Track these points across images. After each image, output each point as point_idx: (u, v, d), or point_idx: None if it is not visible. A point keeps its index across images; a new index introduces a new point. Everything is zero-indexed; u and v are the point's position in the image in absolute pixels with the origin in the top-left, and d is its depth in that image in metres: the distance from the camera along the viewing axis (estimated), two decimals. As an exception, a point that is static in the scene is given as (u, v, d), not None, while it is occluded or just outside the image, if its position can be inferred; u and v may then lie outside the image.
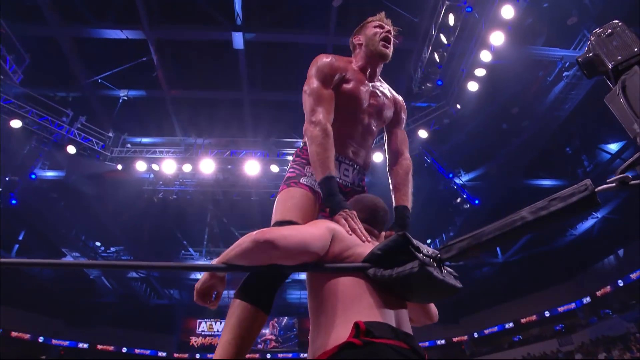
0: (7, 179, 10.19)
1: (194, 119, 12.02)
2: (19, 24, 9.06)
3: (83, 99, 11.15)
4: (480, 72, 8.78)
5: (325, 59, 1.89)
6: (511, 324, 19.56)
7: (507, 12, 7.65)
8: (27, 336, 17.41)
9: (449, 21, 8.15)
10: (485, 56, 8.41)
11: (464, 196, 11.93)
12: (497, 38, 8.02)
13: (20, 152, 10.20)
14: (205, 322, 21.31)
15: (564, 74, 10.09)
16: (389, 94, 2.04)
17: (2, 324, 16.28)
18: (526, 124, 12.03)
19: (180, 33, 10.10)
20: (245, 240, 1.16)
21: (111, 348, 19.74)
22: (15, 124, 9.19)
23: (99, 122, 11.00)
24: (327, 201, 1.56)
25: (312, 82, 1.82)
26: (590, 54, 1.07)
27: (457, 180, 12.38)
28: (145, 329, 19.70)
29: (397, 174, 1.98)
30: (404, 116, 2.11)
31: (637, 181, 0.90)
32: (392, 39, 1.99)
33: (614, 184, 0.92)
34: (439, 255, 1.17)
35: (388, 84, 2.14)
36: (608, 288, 16.27)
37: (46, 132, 9.67)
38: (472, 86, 9.03)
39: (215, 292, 1.37)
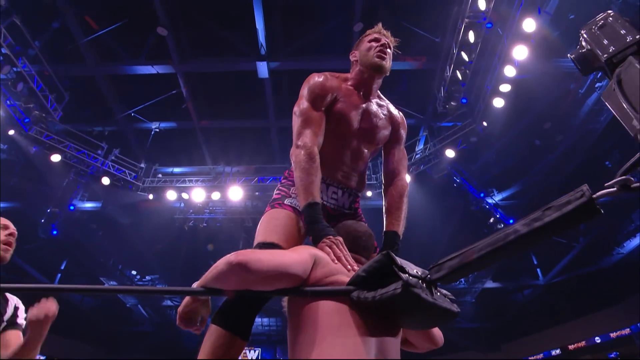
0: (48, 210, 10.69)
1: (223, 147, 12.33)
2: (61, 64, 9.72)
3: (118, 133, 11.71)
4: (505, 87, 8.57)
5: (317, 79, 1.84)
6: (558, 351, 18.26)
7: (529, 25, 7.49)
8: (68, 363, 17.89)
9: (470, 38, 8.05)
10: (510, 71, 8.22)
11: (497, 216, 11.48)
12: (521, 52, 7.83)
13: (60, 184, 10.74)
14: (239, 350, 21.20)
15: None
16: (385, 113, 1.96)
17: (46, 350, 16.96)
18: (560, 138, 11.57)
19: (208, 65, 10.50)
20: (221, 262, 1.12)
21: (147, 376, 19.91)
22: (55, 158, 9.73)
23: (132, 154, 11.49)
24: (309, 229, 1.50)
25: (302, 103, 1.79)
26: (584, 49, 0.99)
27: (490, 200, 11.96)
28: (181, 356, 19.78)
29: (390, 196, 1.87)
30: (403, 133, 2.01)
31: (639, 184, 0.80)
32: (388, 51, 1.92)
33: (614, 188, 0.82)
34: (428, 276, 1.08)
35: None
36: (665, 311, 15.00)
37: (83, 165, 10.18)
38: (498, 102, 8.81)
39: (200, 317, 1.33)
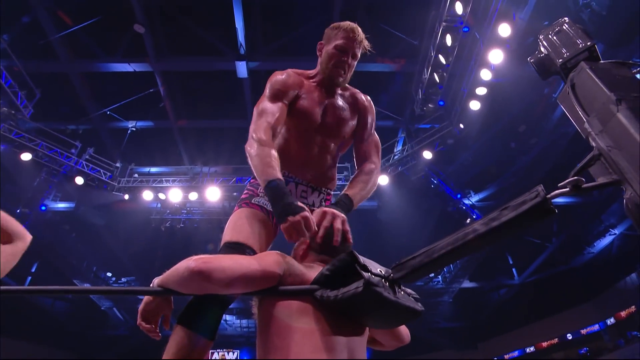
0: (18, 211, 10.34)
1: (200, 147, 12.18)
2: (32, 60, 9.41)
3: (93, 131, 11.41)
4: (481, 90, 8.75)
5: (279, 77, 1.83)
6: (532, 348, 18.75)
7: (504, 30, 7.67)
8: (39, 370, 17.30)
9: (447, 42, 8.21)
10: (486, 75, 8.40)
11: (474, 217, 11.69)
12: (496, 56, 8.01)
13: (31, 184, 10.39)
14: (218, 352, 20.94)
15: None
16: (349, 102, 1.93)
17: (17, 357, 16.34)
18: (535, 141, 11.88)
19: (186, 64, 10.35)
20: (181, 266, 1.10)
21: (123, 381, 19.47)
22: (26, 156, 9.40)
23: (108, 153, 11.23)
24: (273, 208, 1.43)
25: (260, 100, 1.77)
26: (542, 54, 1.02)
27: (467, 201, 12.18)
28: (158, 361, 19.44)
29: (357, 173, 1.84)
30: (370, 119, 1.97)
31: (590, 184, 0.83)
32: (352, 63, 1.88)
33: (567, 188, 0.85)
34: (391, 275, 1.09)
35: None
36: (633, 308, 15.56)
37: (55, 164, 9.88)
38: (474, 105, 8.99)
39: (161, 315, 1.30)
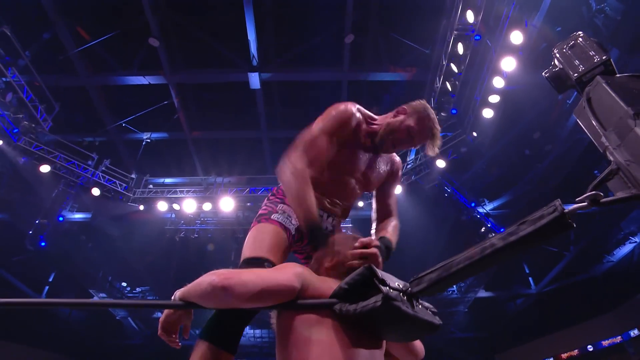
0: (37, 222, 10.56)
1: (214, 158, 12.33)
2: (51, 75, 9.68)
3: (109, 143, 11.66)
4: (494, 98, 8.69)
5: (343, 113, 1.82)
6: (551, 359, 18.28)
7: (517, 37, 7.64)
8: (56, 379, 17.51)
9: (459, 50, 8.20)
10: (498, 82, 8.35)
11: (489, 225, 11.55)
12: (509, 64, 7.97)
13: (49, 195, 10.62)
14: (231, 362, 20.93)
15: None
16: (386, 162, 1.99)
17: (27, 364, 16.63)
18: (549, 148, 11.72)
19: (199, 76, 10.53)
20: (204, 281, 1.12)
21: (138, 391, 19.57)
22: (44, 168, 9.65)
23: (123, 164, 11.43)
24: (315, 244, 1.52)
25: (316, 126, 1.80)
26: (556, 68, 1.03)
27: (481, 210, 12.05)
28: (172, 371, 19.51)
29: (385, 225, 1.87)
30: (398, 181, 2.06)
31: (609, 198, 0.82)
32: (404, 148, 1.98)
33: (584, 203, 0.85)
34: (409, 289, 1.09)
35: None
36: (656, 319, 15.10)
37: (73, 175, 10.10)
38: (487, 113, 8.93)
39: (181, 326, 1.32)
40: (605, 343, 16.89)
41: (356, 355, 1.09)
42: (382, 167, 1.95)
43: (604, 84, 0.86)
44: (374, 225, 1.91)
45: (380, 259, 1.46)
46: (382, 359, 1.19)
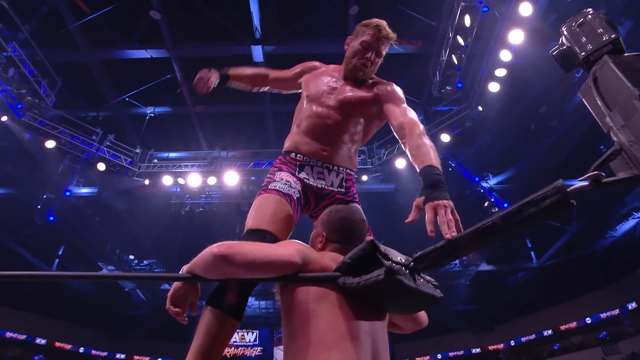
0: (44, 196, 10.69)
1: (218, 132, 12.29)
2: (53, 49, 9.58)
3: (112, 118, 11.64)
4: (500, 72, 8.55)
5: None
6: (550, 332, 18.66)
7: (525, 9, 7.44)
8: (69, 347, 18.17)
9: (466, 22, 7.99)
10: (505, 56, 8.19)
11: (492, 200, 11.58)
12: (517, 36, 7.79)
13: (55, 170, 10.71)
14: (238, 332, 21.49)
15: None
16: (368, 88, 1.98)
17: (46, 334, 17.25)
18: (555, 123, 11.60)
19: (202, 50, 10.37)
20: (206, 252, 1.15)
21: (147, 359, 20.26)
22: (50, 144, 9.70)
23: (127, 139, 11.43)
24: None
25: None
26: (564, 47, 1.02)
27: (485, 184, 12.04)
28: (180, 340, 20.08)
29: (409, 142, 1.68)
30: (395, 95, 1.95)
31: (610, 179, 0.83)
32: (376, 60, 1.96)
33: (586, 182, 0.86)
34: (411, 263, 1.12)
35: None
36: (655, 293, 15.30)
37: (78, 150, 10.15)
38: (494, 87, 8.80)
39: (189, 301, 1.37)
40: (603, 316, 17.20)
41: (360, 328, 1.13)
42: (361, 91, 1.96)
43: (611, 64, 0.85)
44: (403, 145, 1.75)
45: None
46: (385, 330, 1.23)
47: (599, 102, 0.87)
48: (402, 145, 1.75)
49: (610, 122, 0.84)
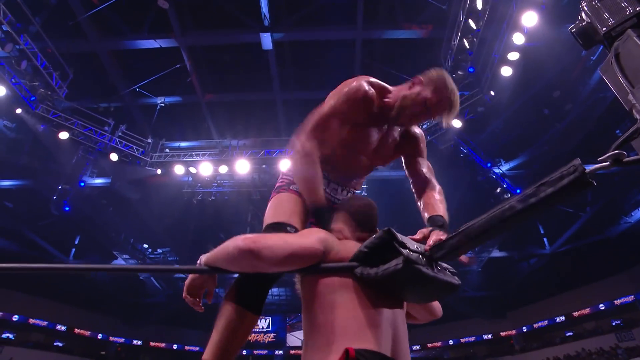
0: (59, 187, 10.87)
1: (229, 121, 12.32)
2: (63, 41, 9.63)
3: (124, 108, 11.73)
4: (513, 55, 8.37)
5: (353, 94, 1.71)
6: (562, 318, 18.57)
7: (540, -10, 7.26)
8: (88, 333, 18.79)
9: (477, 5, 7.81)
10: (518, 39, 8.00)
11: (504, 186, 11.45)
12: (530, 19, 7.60)
13: (69, 161, 10.87)
14: (250, 319, 21.80)
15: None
16: (402, 133, 1.91)
17: (65, 321, 17.81)
18: (570, 107, 11.36)
19: (211, 38, 10.36)
20: (230, 245, 1.14)
21: (162, 345, 20.79)
22: (63, 135, 9.83)
23: (138, 129, 11.53)
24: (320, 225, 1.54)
25: (326, 106, 1.73)
26: (584, 23, 0.99)
27: (497, 170, 11.90)
28: (194, 327, 20.44)
29: (429, 196, 1.73)
30: (423, 146, 1.94)
31: (632, 158, 0.81)
32: (423, 121, 1.90)
33: (607, 162, 0.84)
34: (429, 252, 1.11)
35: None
36: (670, 278, 15.09)
37: (91, 141, 10.28)
38: (506, 71, 8.63)
39: (205, 289, 1.37)
40: (617, 302, 17.05)
41: (379, 317, 1.13)
42: (399, 140, 1.88)
43: (635, 38, 0.82)
44: (416, 197, 1.80)
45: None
46: (404, 319, 1.23)
47: (621, 79, 0.85)
48: (416, 193, 1.81)
49: (633, 99, 0.82)
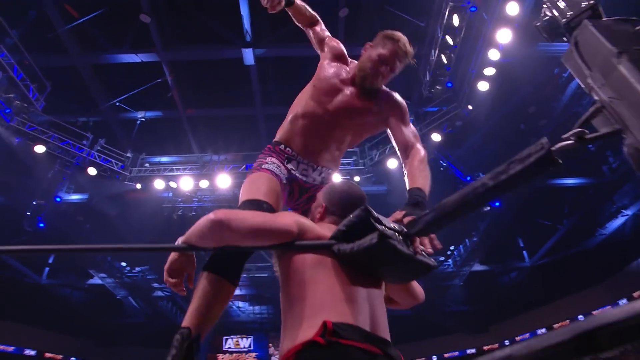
0: (34, 202, 10.57)
1: (210, 136, 12.28)
2: (42, 54, 9.52)
3: (103, 123, 11.57)
4: (489, 71, 8.67)
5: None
6: (544, 330, 18.76)
7: (512, 9, 7.57)
8: (60, 357, 17.85)
9: (454, 22, 8.12)
10: (494, 55, 8.31)
11: (484, 199, 11.66)
12: (504, 36, 7.92)
13: (45, 176, 10.60)
14: (232, 338, 21.33)
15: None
16: (374, 100, 1.99)
17: (36, 345, 16.91)
18: (544, 122, 11.76)
19: (193, 53, 10.40)
20: (202, 220, 1.16)
21: (140, 367, 20.01)
22: (39, 149, 9.59)
23: (118, 144, 11.38)
24: None
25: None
26: (547, 17, 1.06)
27: (476, 184, 12.13)
28: (174, 348, 19.83)
29: (410, 164, 1.82)
30: (400, 112, 2.03)
31: (594, 134, 0.86)
32: (385, 77, 1.96)
33: (571, 141, 0.89)
34: (404, 230, 1.14)
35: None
36: (645, 289, 15.49)
37: (68, 155, 10.06)
38: (483, 86, 8.92)
39: (185, 273, 1.38)
40: (595, 313, 17.34)
41: (356, 293, 1.14)
42: (366, 104, 1.96)
43: (590, 27, 0.89)
44: (403, 166, 1.87)
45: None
46: (381, 299, 1.25)
47: (580, 64, 0.91)
48: (402, 164, 1.89)
49: (591, 82, 0.88)
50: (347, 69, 2.09)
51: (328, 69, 2.03)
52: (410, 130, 2.00)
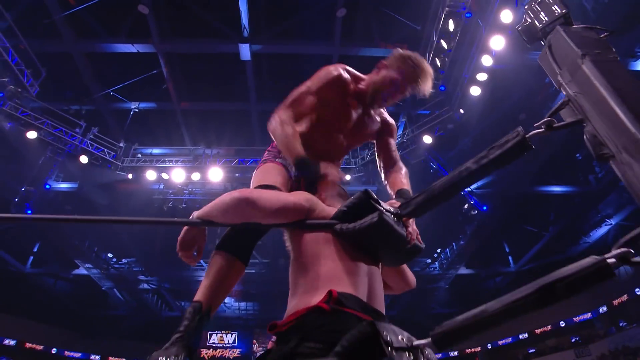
0: (22, 189, 10.49)
1: (203, 129, 12.30)
2: (37, 39, 9.46)
3: (96, 112, 11.52)
4: (482, 76, 8.85)
5: (333, 73, 1.88)
6: (525, 335, 19.14)
7: (506, 16, 7.75)
8: (41, 347, 17.59)
9: (449, 27, 8.28)
10: (487, 60, 8.49)
11: (472, 202, 11.88)
12: (498, 42, 8.10)
13: (36, 163, 10.53)
14: (217, 334, 21.35)
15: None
16: (376, 116, 2.05)
17: (16, 335, 16.62)
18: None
19: (189, 46, 10.41)
20: (226, 196, 1.25)
21: (123, 360, 19.87)
22: (31, 135, 9.55)
23: (111, 133, 11.35)
24: (302, 174, 1.63)
25: (307, 87, 1.90)
26: (527, 22, 1.18)
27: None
28: (157, 341, 19.64)
29: (398, 174, 1.92)
30: (394, 133, 2.13)
31: (561, 123, 0.99)
32: (398, 99, 1.99)
33: (542, 129, 1.02)
34: (398, 211, 1.26)
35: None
36: (625, 297, 15.88)
37: (60, 142, 10.02)
38: (475, 91, 9.11)
39: (197, 246, 1.46)
40: (576, 319, 17.77)
41: (357, 267, 1.26)
42: (372, 125, 2.04)
43: (561, 32, 1.02)
44: (383, 176, 1.98)
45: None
46: (379, 277, 1.36)
47: (552, 63, 1.03)
48: (381, 172, 2.00)
49: (560, 79, 1.00)
50: (353, 89, 1.95)
51: (335, 104, 1.93)
52: (394, 147, 2.10)
